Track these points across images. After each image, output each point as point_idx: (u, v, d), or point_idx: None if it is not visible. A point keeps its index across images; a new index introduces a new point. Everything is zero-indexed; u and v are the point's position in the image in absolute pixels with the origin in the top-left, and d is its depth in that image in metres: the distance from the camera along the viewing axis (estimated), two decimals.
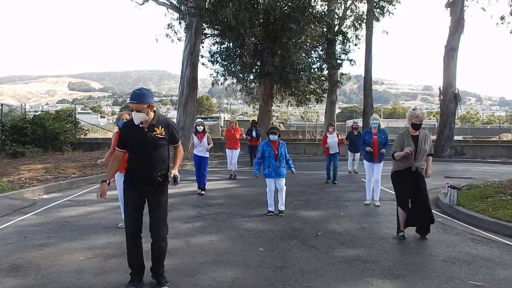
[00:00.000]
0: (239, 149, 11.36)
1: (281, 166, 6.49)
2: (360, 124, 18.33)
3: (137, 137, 3.46)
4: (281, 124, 38.59)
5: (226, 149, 11.47)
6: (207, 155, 8.47)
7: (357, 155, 12.45)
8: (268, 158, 6.47)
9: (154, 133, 3.47)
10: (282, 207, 6.58)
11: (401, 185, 5.21)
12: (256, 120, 16.83)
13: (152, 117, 3.49)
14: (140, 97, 3.39)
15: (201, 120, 8.98)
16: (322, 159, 18.65)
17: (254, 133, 13.88)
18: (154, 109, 3.52)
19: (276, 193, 6.68)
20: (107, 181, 3.54)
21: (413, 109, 5.35)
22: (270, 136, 6.54)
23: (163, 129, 3.52)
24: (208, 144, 8.29)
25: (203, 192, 8.35)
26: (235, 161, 11.12)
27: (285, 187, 6.66)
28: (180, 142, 3.74)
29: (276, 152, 6.44)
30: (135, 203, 3.50)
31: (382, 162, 7.40)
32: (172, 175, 3.47)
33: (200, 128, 8.34)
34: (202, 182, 8.37)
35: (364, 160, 7.59)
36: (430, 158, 5.32)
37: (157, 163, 3.48)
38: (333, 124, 10.72)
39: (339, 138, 10.59)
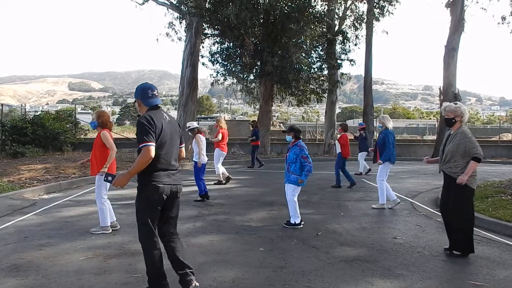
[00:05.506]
0: (215, 152, 9.93)
1: (289, 170, 5.71)
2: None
3: None
4: (281, 124, 38.55)
5: None
6: (195, 159, 7.78)
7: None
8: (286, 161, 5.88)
9: None
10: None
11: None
12: (256, 120, 16.84)
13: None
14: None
15: (192, 123, 8.17)
16: (323, 158, 18.72)
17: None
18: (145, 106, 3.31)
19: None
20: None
21: None
22: (287, 136, 5.95)
23: None
24: (199, 148, 7.64)
25: (199, 199, 7.71)
26: (216, 165, 9.80)
27: (292, 198, 5.73)
28: (142, 144, 3.03)
29: (287, 154, 5.83)
30: None
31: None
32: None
33: (190, 133, 7.89)
34: (198, 188, 7.76)
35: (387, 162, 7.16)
36: (471, 163, 4.36)
37: None
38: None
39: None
